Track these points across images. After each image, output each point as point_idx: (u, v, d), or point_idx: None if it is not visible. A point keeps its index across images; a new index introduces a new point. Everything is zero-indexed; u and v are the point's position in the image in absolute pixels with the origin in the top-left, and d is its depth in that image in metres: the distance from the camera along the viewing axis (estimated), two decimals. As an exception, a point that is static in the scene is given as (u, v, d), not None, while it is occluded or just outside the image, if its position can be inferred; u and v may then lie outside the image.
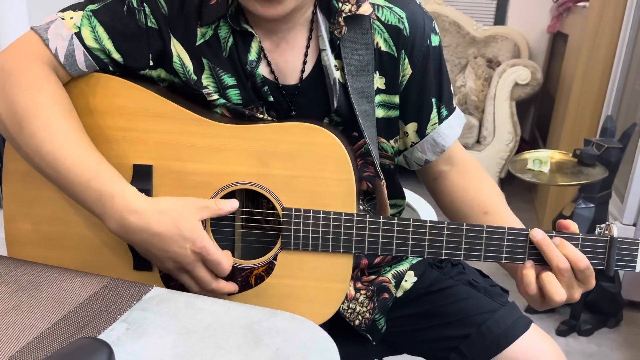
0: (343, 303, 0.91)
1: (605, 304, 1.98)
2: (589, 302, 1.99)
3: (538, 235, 0.76)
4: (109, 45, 0.80)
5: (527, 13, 3.56)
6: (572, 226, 0.78)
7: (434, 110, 0.90)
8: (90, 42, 0.80)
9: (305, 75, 0.83)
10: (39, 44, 0.79)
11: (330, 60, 0.81)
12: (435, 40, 0.87)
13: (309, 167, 0.77)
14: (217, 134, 0.78)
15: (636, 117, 2.26)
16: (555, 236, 0.76)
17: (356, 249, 0.79)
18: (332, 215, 0.77)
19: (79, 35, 0.79)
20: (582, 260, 0.73)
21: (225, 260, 0.75)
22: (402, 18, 0.83)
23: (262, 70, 0.83)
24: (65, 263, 0.80)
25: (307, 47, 0.83)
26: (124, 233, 0.73)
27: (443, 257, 0.79)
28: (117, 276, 0.78)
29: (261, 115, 0.84)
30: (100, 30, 0.80)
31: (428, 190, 1.03)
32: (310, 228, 0.78)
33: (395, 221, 0.78)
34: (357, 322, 0.92)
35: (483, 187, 0.93)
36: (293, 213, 0.78)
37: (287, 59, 0.83)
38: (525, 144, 3.49)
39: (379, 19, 0.83)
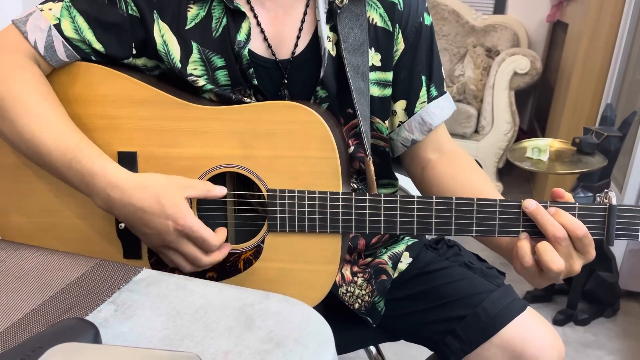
0: (341, 286, 0.90)
1: (603, 293, 1.97)
2: (586, 292, 1.98)
3: (531, 205, 0.73)
4: (89, 35, 0.79)
5: (527, 2, 3.53)
6: (567, 195, 0.75)
7: (424, 88, 0.90)
8: (71, 33, 0.78)
9: (300, 48, 0.82)
10: (18, 37, 0.78)
11: (323, 31, 0.80)
12: (427, 20, 0.89)
13: (291, 146, 0.76)
14: (199, 116, 0.77)
15: (636, 106, 2.25)
16: (550, 206, 0.73)
17: (343, 228, 0.77)
18: (317, 195, 0.76)
19: (58, 27, 0.78)
20: (580, 228, 0.70)
21: (212, 235, 0.73)
22: None
23: (258, 45, 0.81)
24: None
25: (304, 17, 0.82)
26: (110, 209, 0.72)
27: (433, 234, 0.77)
28: None
29: (248, 100, 0.82)
30: (80, 20, 0.78)
31: (416, 182, 1.01)
32: (296, 209, 0.76)
33: (382, 198, 0.76)
34: (356, 305, 0.92)
35: (473, 175, 0.91)
36: (278, 194, 0.76)
37: (284, 31, 0.82)
38: (524, 134, 3.47)
39: None
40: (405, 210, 0.76)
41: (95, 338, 0.51)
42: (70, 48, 0.78)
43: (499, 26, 3.34)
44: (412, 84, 0.89)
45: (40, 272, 0.66)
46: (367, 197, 0.76)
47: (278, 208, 0.76)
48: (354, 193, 0.76)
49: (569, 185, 2.00)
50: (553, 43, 3.49)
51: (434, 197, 0.76)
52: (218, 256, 0.76)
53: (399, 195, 0.76)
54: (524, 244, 0.73)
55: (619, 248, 2.04)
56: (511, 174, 3.22)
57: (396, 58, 0.87)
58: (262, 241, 0.78)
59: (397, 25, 0.85)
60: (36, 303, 0.60)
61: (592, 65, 2.47)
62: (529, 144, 1.93)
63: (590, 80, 2.48)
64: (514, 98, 3.03)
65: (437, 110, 0.92)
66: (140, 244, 0.79)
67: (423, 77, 0.90)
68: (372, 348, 1.28)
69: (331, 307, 0.96)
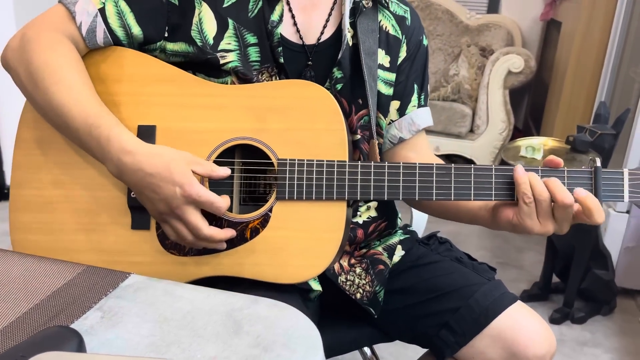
0: (341, 275, 0.93)
1: (599, 291, 1.97)
2: (582, 290, 1.98)
3: (520, 172, 0.77)
4: (130, 19, 0.85)
5: (520, 1, 3.53)
6: (562, 164, 0.80)
7: (415, 94, 0.99)
8: (113, 19, 0.84)
9: (325, 36, 0.91)
10: (65, 17, 0.84)
11: (346, 23, 0.90)
12: (425, 41, 1.01)
13: (302, 119, 0.81)
14: (218, 93, 0.83)
15: (630, 103, 2.25)
16: (541, 169, 0.78)
17: (349, 195, 0.80)
18: (325, 163, 0.79)
19: (102, 11, 0.84)
20: (599, 209, 0.75)
21: (219, 199, 0.75)
22: (407, 11, 0.98)
23: (288, 29, 0.89)
24: (66, 226, 0.83)
25: (331, 10, 0.91)
26: (120, 174, 0.76)
27: (434, 198, 0.80)
28: (116, 236, 0.82)
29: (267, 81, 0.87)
30: (123, 4, 0.85)
31: None
32: (305, 176, 0.80)
33: (386, 164, 0.80)
34: (358, 295, 0.94)
35: None
36: (287, 162, 0.80)
37: (312, 19, 0.91)
38: (519, 132, 3.47)
39: (389, 10, 0.96)
40: (407, 176, 0.80)
41: (79, 346, 0.50)
42: (109, 36, 0.85)
43: (492, 25, 3.34)
44: (406, 89, 0.98)
45: (27, 279, 0.66)
46: (372, 164, 0.80)
47: (287, 176, 0.80)
48: (359, 161, 0.81)
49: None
50: (547, 42, 3.50)
51: (434, 163, 0.80)
52: (219, 233, 0.77)
53: (401, 163, 0.81)
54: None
55: (614, 245, 2.04)
56: (507, 172, 3.22)
57: (398, 63, 0.96)
58: (270, 210, 0.81)
59: (404, 36, 0.96)
60: (22, 311, 0.60)
61: (586, 63, 2.47)
62: (523, 142, 1.93)
63: (584, 78, 2.48)
64: (509, 97, 3.03)
65: (425, 115, 1.01)
66: (149, 215, 0.81)
67: (416, 86, 0.99)
68: (367, 350, 1.28)
69: (327, 307, 0.96)
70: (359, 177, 0.80)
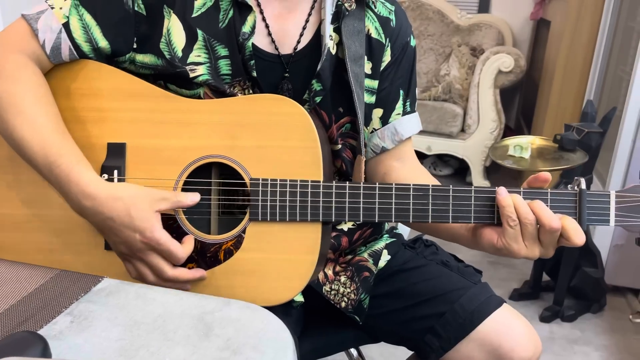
0: (325, 285, 0.91)
1: (589, 289, 1.97)
2: (572, 288, 1.98)
3: (502, 194, 0.74)
4: (97, 32, 0.81)
5: (511, 1, 3.54)
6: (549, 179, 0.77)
7: (400, 102, 0.94)
8: (78, 33, 0.80)
9: (302, 44, 0.86)
10: (28, 34, 0.80)
11: (327, 29, 0.85)
12: (413, 42, 0.95)
13: (275, 136, 0.78)
14: (188, 109, 0.80)
15: (618, 102, 2.25)
16: (523, 191, 0.75)
17: (324, 216, 0.78)
18: (298, 183, 0.77)
19: (67, 26, 0.80)
20: (578, 231, 0.72)
21: (178, 249, 0.73)
22: (392, 11, 0.92)
23: (261, 39, 0.84)
24: (38, 245, 0.81)
25: (309, 16, 0.86)
26: (82, 214, 0.75)
27: (411, 220, 0.78)
28: (89, 256, 0.80)
29: (242, 94, 0.84)
30: (88, 17, 0.81)
31: None
32: (278, 197, 0.78)
33: (362, 185, 0.78)
34: (343, 304, 0.92)
35: (430, 181, 0.92)
36: (260, 182, 0.78)
37: (288, 27, 0.86)
38: (511, 131, 3.48)
39: (373, 11, 0.90)
40: (383, 197, 0.78)
41: (44, 352, 0.50)
42: (75, 52, 0.81)
43: (483, 25, 3.35)
44: (391, 95, 0.93)
45: (-2, 284, 0.65)
46: (347, 184, 0.78)
47: (260, 197, 0.78)
48: (334, 181, 0.79)
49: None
50: (537, 41, 3.51)
51: (411, 184, 0.78)
52: (185, 273, 0.76)
53: (377, 184, 0.78)
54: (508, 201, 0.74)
55: (603, 243, 2.04)
56: (498, 172, 3.22)
57: (381, 69, 0.91)
58: (244, 231, 0.79)
59: (388, 39, 0.90)
60: (-9, 316, 0.60)
61: (575, 62, 2.48)
62: (511, 141, 1.93)
63: (573, 77, 2.49)
64: (500, 96, 3.03)
65: (410, 124, 0.96)
66: None
67: (401, 92, 0.94)
68: (354, 351, 1.27)
69: (313, 311, 0.96)
70: (333, 198, 0.77)
